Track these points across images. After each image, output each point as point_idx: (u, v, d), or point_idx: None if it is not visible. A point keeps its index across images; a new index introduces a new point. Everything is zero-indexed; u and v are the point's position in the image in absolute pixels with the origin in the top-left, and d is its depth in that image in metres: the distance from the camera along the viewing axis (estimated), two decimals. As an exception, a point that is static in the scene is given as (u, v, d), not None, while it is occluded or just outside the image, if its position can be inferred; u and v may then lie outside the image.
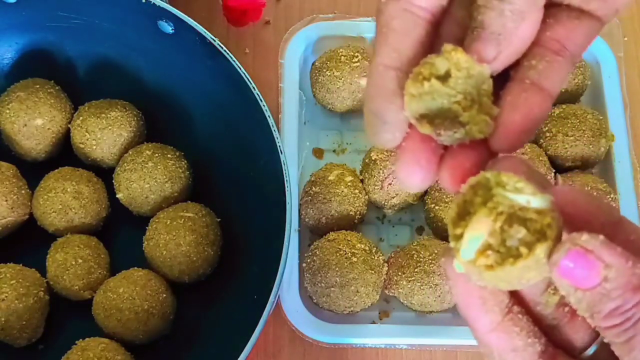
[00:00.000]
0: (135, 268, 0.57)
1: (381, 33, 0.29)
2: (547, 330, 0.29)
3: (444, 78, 0.28)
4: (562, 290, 0.26)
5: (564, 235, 0.26)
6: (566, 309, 0.29)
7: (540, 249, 0.25)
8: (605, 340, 0.26)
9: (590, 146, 0.64)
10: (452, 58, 0.28)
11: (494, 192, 0.27)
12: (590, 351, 0.29)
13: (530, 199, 0.26)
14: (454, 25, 0.30)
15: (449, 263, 0.28)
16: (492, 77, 0.29)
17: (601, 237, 0.25)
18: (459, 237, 0.27)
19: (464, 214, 0.27)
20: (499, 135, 0.28)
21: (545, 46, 0.30)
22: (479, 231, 0.26)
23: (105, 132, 0.59)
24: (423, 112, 0.29)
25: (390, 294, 0.61)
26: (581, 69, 0.68)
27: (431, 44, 0.30)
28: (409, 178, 0.29)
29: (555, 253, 0.25)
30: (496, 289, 0.28)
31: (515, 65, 0.30)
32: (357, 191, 0.62)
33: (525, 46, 0.29)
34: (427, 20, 0.30)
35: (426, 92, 0.28)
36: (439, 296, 0.59)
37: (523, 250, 0.26)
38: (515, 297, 0.29)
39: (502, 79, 0.30)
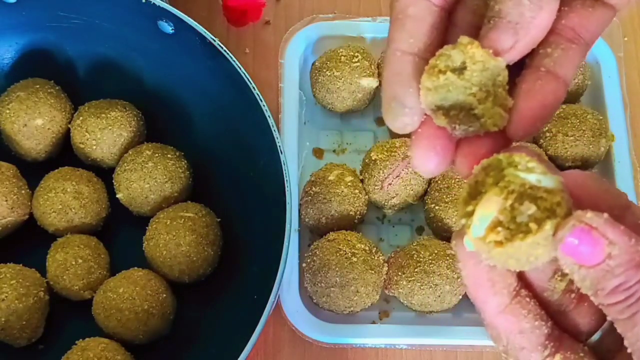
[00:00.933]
0: (135, 268, 0.57)
1: (397, 20, 0.30)
2: (553, 316, 0.30)
3: (460, 70, 0.28)
4: (566, 268, 0.26)
5: None
6: (572, 295, 0.30)
7: (550, 225, 0.26)
8: (609, 318, 0.26)
9: (590, 146, 0.64)
10: (467, 52, 0.28)
11: (505, 173, 0.27)
12: (595, 337, 0.29)
13: (541, 178, 0.27)
14: (469, 12, 0.31)
15: (460, 244, 0.28)
16: (507, 65, 0.29)
17: (605, 215, 0.25)
18: (469, 215, 0.27)
19: (475, 194, 0.28)
20: (515, 123, 0.29)
21: (560, 34, 0.30)
22: (489, 208, 0.27)
23: (105, 132, 0.59)
24: (439, 103, 0.29)
25: (390, 294, 0.61)
26: (581, 69, 0.68)
27: (445, 29, 0.31)
28: (424, 164, 0.30)
29: (561, 230, 0.25)
30: (505, 268, 0.28)
31: (531, 52, 0.30)
32: (357, 191, 0.62)
33: (542, 35, 0.29)
34: (441, 7, 0.30)
35: (442, 85, 0.29)
36: (439, 296, 0.59)
37: (532, 226, 0.26)
38: (523, 282, 0.30)
39: (516, 66, 0.30)
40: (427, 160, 0.30)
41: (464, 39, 0.28)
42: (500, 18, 0.28)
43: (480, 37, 0.29)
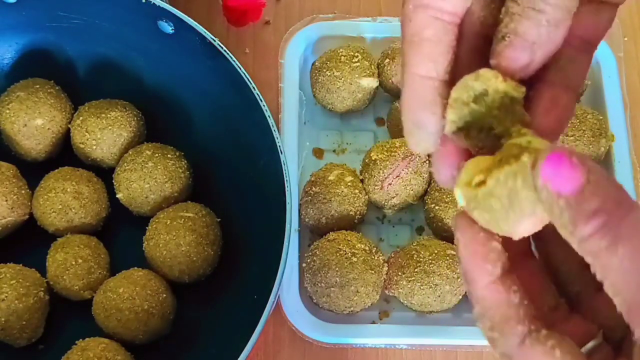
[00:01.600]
0: (135, 268, 0.57)
1: (412, 42, 0.30)
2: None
3: (481, 94, 0.29)
4: (545, 205, 0.25)
5: None
6: (561, 313, 0.30)
7: (527, 157, 0.26)
8: (590, 259, 0.25)
9: (590, 146, 0.64)
10: (490, 85, 0.29)
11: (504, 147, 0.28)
12: (588, 346, 0.29)
13: (531, 139, 0.27)
14: (476, 23, 0.30)
15: (460, 217, 0.29)
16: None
17: (578, 152, 0.25)
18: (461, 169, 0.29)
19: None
20: None
21: (570, 44, 0.30)
22: (479, 162, 0.28)
23: (105, 132, 0.59)
24: (460, 125, 0.30)
25: (390, 294, 0.61)
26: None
27: (458, 43, 0.31)
28: (447, 180, 0.31)
29: (540, 154, 0.25)
30: (493, 219, 0.28)
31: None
32: (357, 191, 0.62)
33: (556, 49, 0.29)
34: (456, 24, 0.30)
35: (465, 114, 0.29)
36: (439, 296, 0.59)
37: (511, 160, 0.27)
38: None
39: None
40: (450, 176, 0.30)
41: (486, 72, 0.29)
42: (516, 36, 0.28)
43: (494, 52, 0.29)
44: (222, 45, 0.56)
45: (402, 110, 0.30)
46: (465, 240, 0.29)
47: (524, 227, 0.27)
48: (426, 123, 0.30)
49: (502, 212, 0.27)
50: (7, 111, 0.59)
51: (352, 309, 0.59)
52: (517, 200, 0.27)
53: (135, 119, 0.61)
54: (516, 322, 0.27)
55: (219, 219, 0.59)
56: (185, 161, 0.60)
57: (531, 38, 0.28)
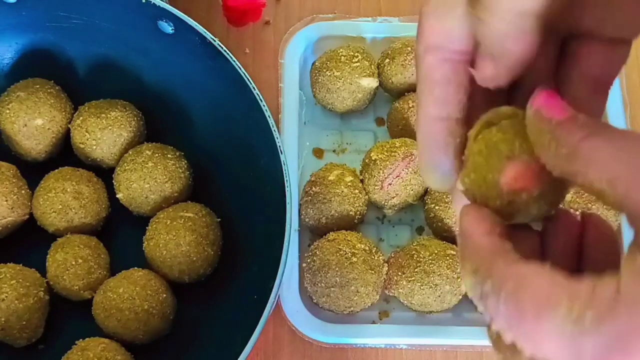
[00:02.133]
0: (135, 268, 0.57)
1: (424, 84, 0.30)
2: None
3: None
4: (533, 129, 0.26)
5: None
6: None
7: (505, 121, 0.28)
8: (583, 165, 0.25)
9: (590, 146, 0.64)
10: (507, 123, 0.29)
11: None
12: None
13: None
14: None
15: (466, 205, 0.30)
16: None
17: None
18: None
19: None
20: None
21: (584, 85, 0.30)
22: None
23: (105, 132, 0.59)
24: None
25: (390, 294, 0.61)
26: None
27: (471, 79, 0.31)
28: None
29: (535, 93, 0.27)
30: (480, 179, 0.28)
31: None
32: (357, 191, 0.62)
33: (525, 65, 0.29)
34: (467, 61, 0.30)
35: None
36: (439, 296, 0.59)
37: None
38: None
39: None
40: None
41: (505, 109, 0.29)
42: (483, 49, 0.29)
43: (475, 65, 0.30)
44: (222, 45, 0.56)
45: (418, 151, 0.31)
46: (468, 208, 0.30)
47: (507, 173, 0.28)
48: (440, 164, 0.31)
49: (484, 165, 0.28)
50: (7, 111, 0.59)
51: (352, 309, 0.59)
52: (493, 144, 0.28)
53: (135, 119, 0.61)
54: (506, 254, 0.27)
55: (219, 219, 0.59)
56: (185, 161, 0.60)
57: (494, 51, 0.28)
